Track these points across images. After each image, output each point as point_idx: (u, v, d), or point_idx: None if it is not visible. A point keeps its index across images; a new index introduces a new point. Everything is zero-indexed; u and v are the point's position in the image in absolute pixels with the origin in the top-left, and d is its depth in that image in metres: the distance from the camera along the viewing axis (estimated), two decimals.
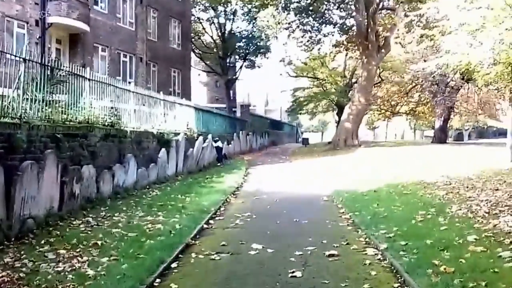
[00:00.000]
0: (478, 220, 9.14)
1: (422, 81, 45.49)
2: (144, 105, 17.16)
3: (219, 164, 23.57)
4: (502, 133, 73.32)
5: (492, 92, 47.43)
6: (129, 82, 25.28)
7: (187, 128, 20.90)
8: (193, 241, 8.60)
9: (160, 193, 13.93)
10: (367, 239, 8.70)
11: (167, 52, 31.78)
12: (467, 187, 12.99)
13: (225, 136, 28.57)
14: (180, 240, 8.33)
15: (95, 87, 13.49)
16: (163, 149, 16.69)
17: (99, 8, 24.06)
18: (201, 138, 20.89)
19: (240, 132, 33.63)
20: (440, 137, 45.95)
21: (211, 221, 10.54)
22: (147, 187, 14.80)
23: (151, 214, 10.67)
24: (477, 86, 47.11)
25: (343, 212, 11.49)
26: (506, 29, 16.19)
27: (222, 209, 12.24)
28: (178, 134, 18.75)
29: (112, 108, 14.32)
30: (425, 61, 42.96)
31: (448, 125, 49.54)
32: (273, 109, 75.22)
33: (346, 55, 44.56)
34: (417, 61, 43.54)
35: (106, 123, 13.64)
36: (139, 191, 13.95)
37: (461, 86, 44.95)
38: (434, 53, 40.92)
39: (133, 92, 16.27)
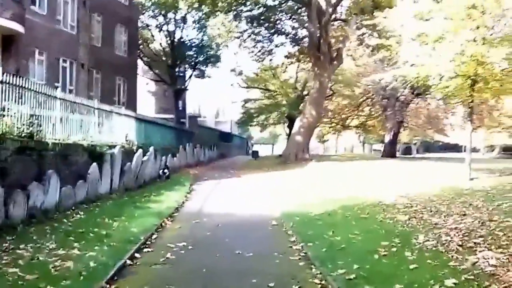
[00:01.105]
0: (452, 256, 7.72)
1: (373, 95, 45.03)
2: (73, 113, 15.08)
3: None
4: (448, 147, 74.47)
5: (440, 107, 47.74)
6: (70, 90, 23.27)
7: (126, 140, 18.86)
8: (107, 286, 6.76)
9: (85, 216, 11.76)
10: (323, 282, 7.08)
11: (112, 59, 29.59)
12: (431, 211, 11.62)
13: (170, 148, 26.60)
14: (89, 286, 6.49)
15: (9, 91, 11.38)
16: (94, 164, 14.57)
17: (37, 9, 21.70)
18: (140, 151, 18.82)
19: (187, 144, 31.68)
20: (390, 151, 45.45)
21: (137, 255, 8.61)
22: (73, 208, 12.55)
23: (65, 245, 8.66)
24: (426, 100, 47.38)
25: (294, 241, 9.83)
26: (467, 40, 15.20)
27: (154, 237, 10.27)
28: (115, 146, 16.70)
29: (32, 116, 12.25)
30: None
31: (397, 139, 49.27)
32: (223, 120, 73.48)
33: (298, 66, 43.49)
34: (368, 75, 43.16)
35: (23, 134, 11.57)
36: (61, 214, 11.73)
37: (411, 101, 44.72)
38: (385, 67, 40.58)
39: (59, 98, 14.13)
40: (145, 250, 9.14)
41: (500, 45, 15.28)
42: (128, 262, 8.10)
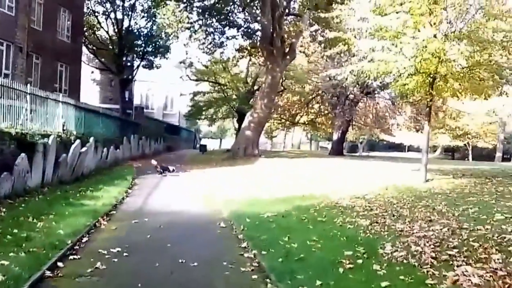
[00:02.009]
0: (427, 272, 6.62)
1: (323, 92, 44.43)
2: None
3: None
4: (392, 147, 75.25)
5: (388, 107, 47.75)
6: (5, 74, 21.23)
7: (64, 130, 17.03)
8: None
9: (6, 214, 9.94)
10: None
11: (54, 44, 27.42)
12: (394, 216, 10.61)
13: (113, 139, 24.78)
14: None
15: None
16: (23, 154, 12.77)
17: None
18: (79, 141, 16.97)
19: (132, 136, 29.84)
20: (337, 149, 45.07)
21: (60, 264, 7.05)
22: None
23: None
24: (374, 100, 47.26)
25: (246, 248, 8.52)
26: (428, 37, 14.33)
27: (84, 240, 8.69)
28: (49, 136, 14.87)
29: None
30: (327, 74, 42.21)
31: (345, 137, 49.02)
32: (172, 113, 71.09)
33: (250, 61, 42.21)
34: (319, 72, 42.49)
35: None
36: None
37: (360, 100, 44.40)
38: (336, 65, 39.90)
39: None
40: (71, 257, 7.58)
41: (461, 42, 14.55)
42: (48, 273, 6.58)
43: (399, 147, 75.45)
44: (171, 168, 23.10)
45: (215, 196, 15.12)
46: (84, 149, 17.53)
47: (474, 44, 14.44)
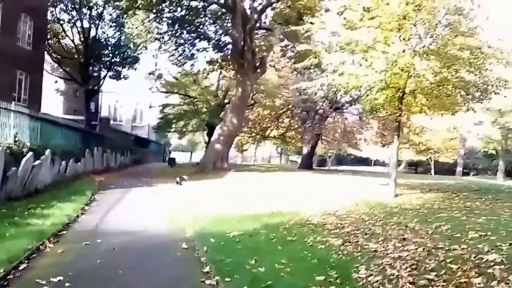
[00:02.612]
0: None
1: (293, 107, 44.02)
2: None
3: None
4: (359, 161, 75.39)
5: (356, 122, 47.65)
6: None
7: (15, 141, 15.68)
8: None
9: None
10: None
11: (13, 50, 25.77)
12: (366, 234, 9.86)
13: (74, 152, 23.39)
14: None
15: None
16: None
17: None
18: (31, 154, 15.55)
19: (96, 148, 28.50)
20: (307, 163, 44.63)
21: None
22: None
23: None
24: (343, 115, 47.12)
25: (208, 274, 7.56)
26: (396, 53, 13.80)
27: (21, 268, 7.42)
28: None
29: None
30: (296, 88, 41.84)
31: (314, 152, 48.68)
32: (141, 125, 69.74)
33: (220, 74, 41.45)
34: (289, 87, 42.08)
35: None
36: None
37: (329, 115, 44.12)
38: (305, 80, 39.48)
39: None
40: None
41: (430, 57, 14.11)
42: None
43: (366, 161, 75.69)
44: (185, 177, 24.26)
45: (179, 213, 14.02)
46: (38, 162, 16.18)
47: (442, 60, 14.00)
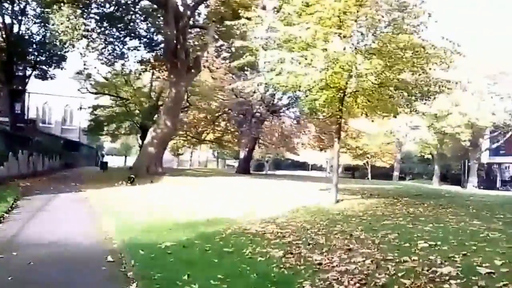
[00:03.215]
0: None
1: (229, 109, 43.30)
2: None
3: None
4: (297, 165, 75.63)
5: (293, 126, 47.54)
6: None
7: None
8: None
9: None
10: None
11: None
12: (309, 244, 9.15)
13: None
14: None
15: None
16: None
17: None
18: None
19: (20, 151, 26.57)
20: (244, 167, 44.05)
21: None
22: None
23: None
24: (280, 119, 46.90)
25: None
26: (337, 51, 13.32)
27: None
28: None
29: None
30: (232, 90, 41.16)
31: (251, 156, 48.21)
32: (72, 128, 66.72)
33: (153, 74, 39.98)
34: (225, 89, 41.33)
35: None
36: None
37: (266, 118, 43.74)
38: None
39: None
40: None
41: (372, 56, 13.74)
42: None
43: (303, 166, 76.08)
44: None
45: (108, 221, 12.80)
46: None
47: (384, 60, 13.66)
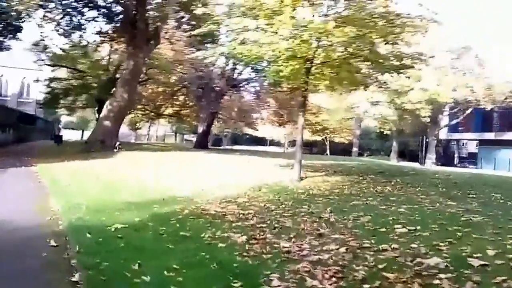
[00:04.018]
0: None
1: (188, 83, 41.67)
2: None
3: None
4: (255, 140, 74.61)
5: (252, 101, 46.30)
6: None
7: None
8: None
9: None
10: None
11: None
12: (274, 228, 8.02)
13: None
14: None
15: None
16: None
17: None
18: None
19: None
20: (202, 142, 42.73)
21: None
22: None
23: None
24: (239, 93, 45.55)
25: (78, 285, 5.36)
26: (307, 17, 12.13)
27: None
28: None
29: None
30: (192, 63, 39.48)
31: (210, 130, 46.93)
32: (28, 101, 63.50)
33: (111, 46, 37.70)
34: (184, 63, 39.61)
35: None
36: None
37: (225, 93, 42.37)
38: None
39: None
40: None
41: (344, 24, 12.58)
42: None
43: (261, 141, 75.10)
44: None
45: (56, 199, 11.35)
46: None
47: (356, 28, 12.54)
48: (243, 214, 9.17)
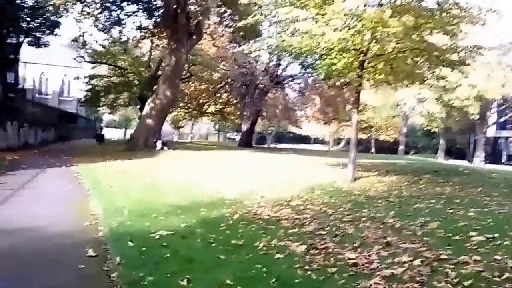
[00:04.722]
0: None
1: (231, 81, 41.44)
2: None
3: None
4: (298, 138, 73.78)
5: (297, 98, 45.61)
6: None
7: None
8: None
9: None
10: None
11: None
12: (336, 235, 7.36)
13: None
14: None
15: None
16: None
17: None
18: None
19: (9, 123, 24.83)
20: (247, 140, 42.42)
21: None
22: None
23: None
24: (284, 90, 44.97)
25: None
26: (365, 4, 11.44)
27: None
28: None
29: None
30: (235, 59, 39.18)
31: (254, 129, 46.63)
32: (69, 99, 64.73)
33: (152, 42, 37.70)
34: (228, 59, 39.37)
35: None
36: None
37: (270, 89, 41.92)
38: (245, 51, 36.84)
39: None
40: None
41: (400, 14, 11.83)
42: None
43: (304, 139, 74.27)
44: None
45: (97, 201, 11.05)
46: None
47: (414, 18, 11.77)
48: (299, 219, 8.56)
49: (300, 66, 36.66)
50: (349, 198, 10.72)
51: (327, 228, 7.84)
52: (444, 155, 46.22)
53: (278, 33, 13.71)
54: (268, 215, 8.95)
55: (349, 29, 11.62)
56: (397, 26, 11.37)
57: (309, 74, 40.95)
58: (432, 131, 47.97)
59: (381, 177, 15.04)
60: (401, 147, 52.64)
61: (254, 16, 13.60)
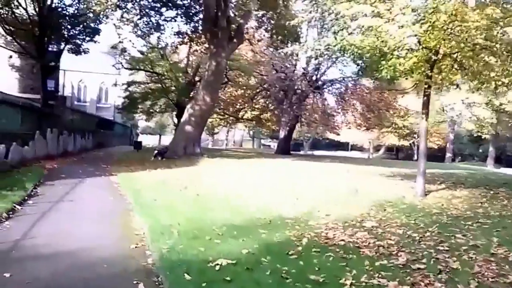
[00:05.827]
0: None
1: (269, 86, 40.21)
2: None
3: None
4: (335, 145, 71.74)
5: (338, 103, 43.95)
6: None
7: None
8: None
9: None
10: None
11: None
12: (439, 271, 5.92)
13: (18, 134, 19.10)
14: None
15: None
16: None
17: None
18: None
19: (49, 130, 24.13)
20: (285, 147, 41.00)
21: None
22: None
23: None
24: (323, 95, 43.39)
25: None
26: None
27: None
28: None
29: None
30: (273, 64, 37.95)
31: (292, 135, 45.18)
32: (106, 106, 64.66)
33: (190, 47, 36.78)
34: (265, 64, 38.22)
35: None
36: None
37: (308, 95, 40.50)
38: (283, 56, 35.57)
39: None
40: None
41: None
42: None
43: (342, 146, 72.31)
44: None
45: (140, 218, 9.75)
46: None
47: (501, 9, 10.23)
48: (382, 246, 7.12)
49: (339, 70, 35.18)
50: (430, 218, 9.21)
51: (423, 260, 6.37)
52: (494, 163, 43.82)
53: (334, 32, 12.26)
54: (343, 240, 7.52)
55: (422, 24, 10.15)
56: (477, 21, 9.86)
57: (350, 78, 39.48)
58: (482, 137, 45.50)
59: (452, 190, 13.48)
60: (449, 155, 50.25)
61: (310, 13, 12.24)
